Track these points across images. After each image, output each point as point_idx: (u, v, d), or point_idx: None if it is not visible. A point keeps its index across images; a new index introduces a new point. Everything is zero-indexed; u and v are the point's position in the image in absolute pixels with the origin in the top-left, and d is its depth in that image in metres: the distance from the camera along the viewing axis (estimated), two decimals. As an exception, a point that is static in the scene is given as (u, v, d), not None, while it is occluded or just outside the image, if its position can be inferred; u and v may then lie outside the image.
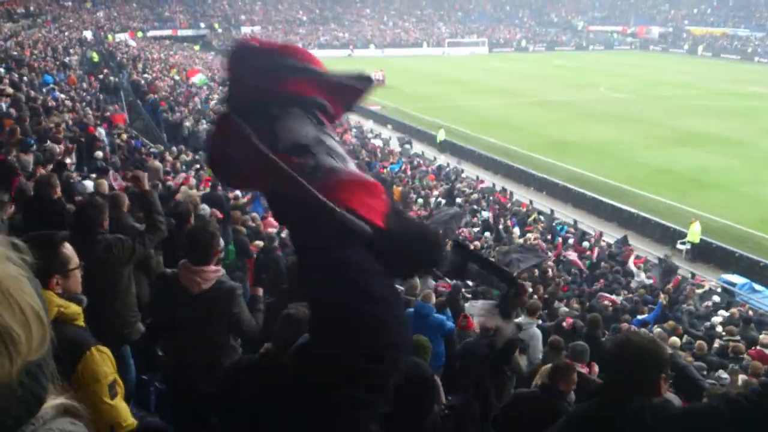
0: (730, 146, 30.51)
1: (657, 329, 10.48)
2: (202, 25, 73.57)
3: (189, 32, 70.77)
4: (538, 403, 4.29)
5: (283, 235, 9.23)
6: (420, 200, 20.04)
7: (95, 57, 35.89)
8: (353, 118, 36.35)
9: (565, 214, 22.52)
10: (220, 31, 72.80)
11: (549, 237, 18.60)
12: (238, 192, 12.32)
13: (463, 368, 6.19)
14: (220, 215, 9.20)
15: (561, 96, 44.09)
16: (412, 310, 7.37)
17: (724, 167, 27.01)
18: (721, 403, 2.04)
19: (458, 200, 20.79)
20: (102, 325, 4.08)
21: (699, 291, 15.39)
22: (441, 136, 31.26)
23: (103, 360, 2.47)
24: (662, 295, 12.88)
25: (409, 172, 24.81)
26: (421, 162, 28.22)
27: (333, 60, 49.35)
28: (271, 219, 11.20)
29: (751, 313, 13.67)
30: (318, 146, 1.57)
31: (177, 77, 33.69)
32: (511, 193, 23.96)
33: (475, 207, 20.60)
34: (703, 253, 19.17)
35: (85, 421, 0.97)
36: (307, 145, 1.55)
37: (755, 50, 72.68)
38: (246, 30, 73.44)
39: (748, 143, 31.14)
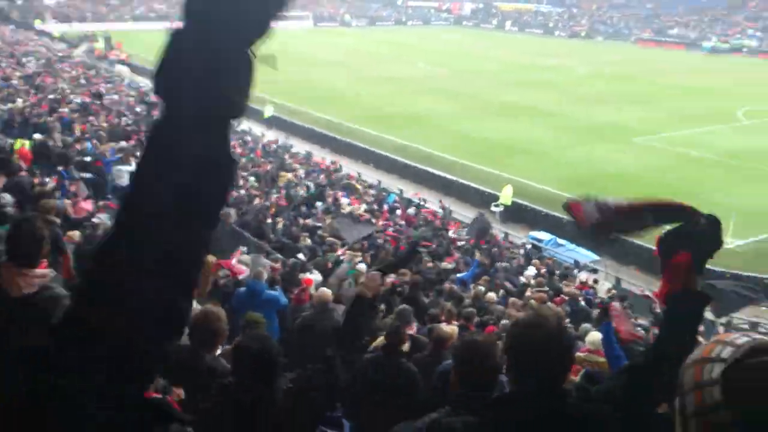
0: (535, 115, 33.48)
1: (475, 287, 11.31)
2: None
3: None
4: (386, 367, 4.86)
5: (96, 220, 8.66)
6: (252, 178, 19.38)
7: None
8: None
9: (391, 183, 23.56)
10: (19, 2, 65.45)
11: (376, 207, 19.23)
12: (47, 178, 11.37)
13: (303, 342, 6.34)
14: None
15: (383, 70, 45.46)
16: (243, 289, 7.35)
17: (532, 134, 29.68)
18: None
19: (289, 175, 20.70)
20: None
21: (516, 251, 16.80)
22: (268, 111, 30.15)
23: None
24: (478, 253, 13.92)
25: (239, 150, 24.11)
26: (251, 140, 27.58)
27: (147, 34, 46.45)
28: (82, 204, 10.42)
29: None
30: None
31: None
32: (340, 166, 24.41)
33: (307, 182, 20.67)
34: (515, 215, 21.01)
35: None
36: None
37: (556, 25, 79.55)
38: (49, 2, 66.72)
39: (550, 112, 34.31)
